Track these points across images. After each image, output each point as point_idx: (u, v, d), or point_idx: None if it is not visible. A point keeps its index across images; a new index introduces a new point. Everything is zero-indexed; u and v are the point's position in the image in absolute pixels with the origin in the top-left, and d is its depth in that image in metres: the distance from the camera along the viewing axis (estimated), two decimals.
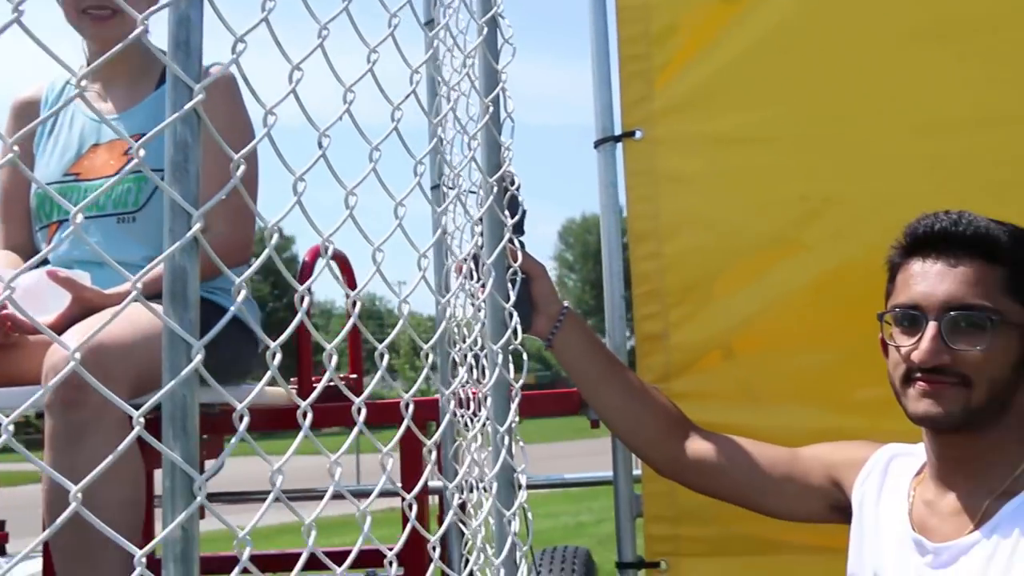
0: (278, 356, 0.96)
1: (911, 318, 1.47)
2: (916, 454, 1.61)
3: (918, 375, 1.45)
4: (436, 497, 3.25)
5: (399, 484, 2.43)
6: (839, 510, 1.71)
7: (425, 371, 1.22)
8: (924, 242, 1.49)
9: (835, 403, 2.04)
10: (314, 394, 1.04)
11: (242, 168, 0.90)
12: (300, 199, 0.99)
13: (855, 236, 2.00)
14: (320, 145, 1.03)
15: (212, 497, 3.10)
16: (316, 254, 2.76)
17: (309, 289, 1.01)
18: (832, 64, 2.14)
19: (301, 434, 1.01)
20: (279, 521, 11.14)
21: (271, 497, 0.95)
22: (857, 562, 1.63)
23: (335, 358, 1.05)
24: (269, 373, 0.96)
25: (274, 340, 0.97)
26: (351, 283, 3.13)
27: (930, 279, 1.46)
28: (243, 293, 0.90)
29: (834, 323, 2.01)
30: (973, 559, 1.42)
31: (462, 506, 1.85)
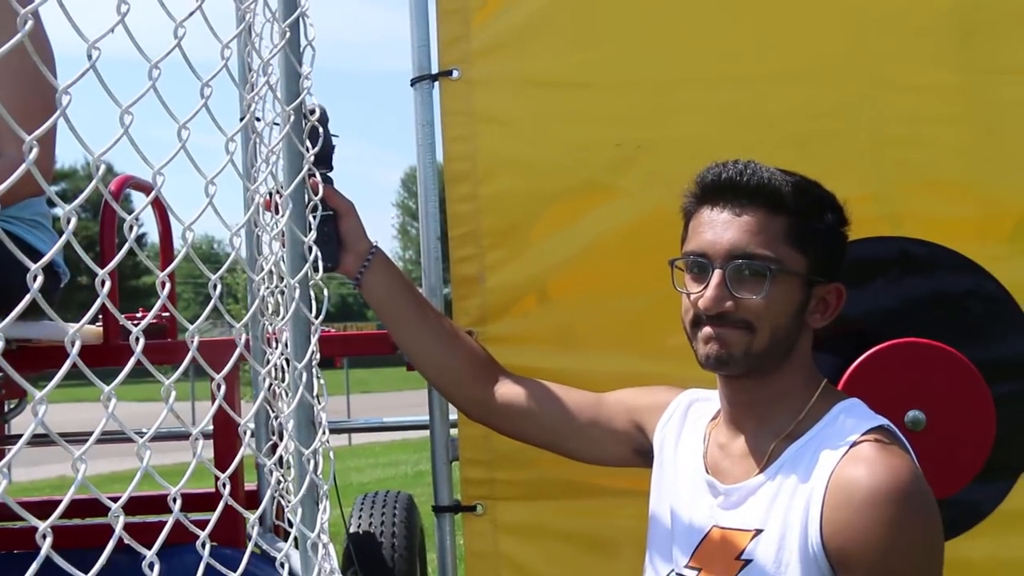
0: (39, 279, 0.90)
1: (699, 265, 1.50)
2: (714, 399, 1.65)
3: (705, 320, 1.48)
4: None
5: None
6: (642, 454, 1.75)
7: (212, 303, 1.17)
8: (712, 191, 1.51)
9: (648, 349, 2.08)
10: (84, 318, 0.98)
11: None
12: (64, 113, 0.93)
13: (667, 183, 2.00)
14: (89, 57, 0.96)
15: (16, 440, 2.96)
16: (122, 185, 2.64)
17: (76, 212, 0.95)
18: (649, 11, 2.16)
19: (68, 362, 0.95)
20: (110, 470, 10.89)
21: (31, 428, 0.90)
22: (657, 500, 1.67)
23: (108, 284, 1.00)
24: (29, 297, 0.90)
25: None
26: (163, 216, 3.02)
27: (716, 228, 1.49)
28: None
29: (647, 270, 2.03)
30: (759, 499, 1.47)
31: (274, 448, 1.81)
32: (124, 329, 2.30)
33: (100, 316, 2.49)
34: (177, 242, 3.19)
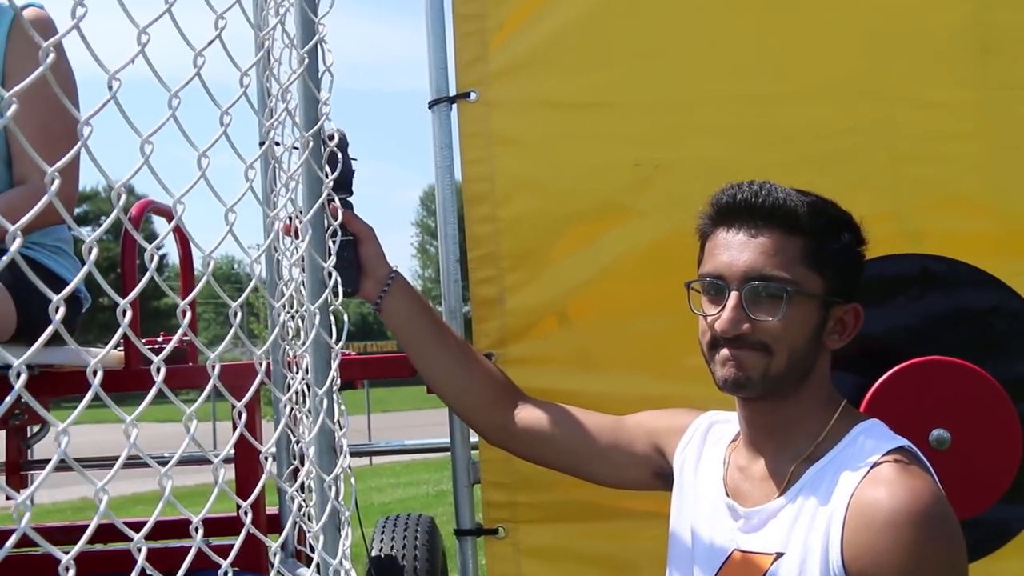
0: (61, 310, 0.90)
1: (716, 287, 1.49)
2: (733, 421, 1.64)
3: (722, 343, 1.47)
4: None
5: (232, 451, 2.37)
6: (662, 477, 1.74)
7: (234, 330, 1.17)
8: (727, 212, 1.51)
9: (667, 370, 2.07)
10: (106, 349, 0.98)
11: (13, 107, 0.84)
12: (85, 143, 0.94)
13: (686, 204, 1.98)
14: (110, 88, 0.97)
15: (40, 464, 2.97)
16: (143, 209, 2.65)
17: (96, 242, 0.95)
18: (665, 31, 2.16)
19: (90, 393, 0.96)
20: (132, 491, 10.90)
21: (54, 460, 0.90)
22: (677, 523, 1.66)
23: (128, 314, 1.00)
24: (51, 329, 0.90)
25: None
26: (183, 241, 3.03)
27: (732, 250, 1.48)
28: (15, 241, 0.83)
29: (666, 290, 2.00)
30: (780, 522, 1.46)
31: (295, 472, 1.81)
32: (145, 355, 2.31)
33: (122, 341, 2.49)
34: (197, 262, 3.20)
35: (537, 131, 2.15)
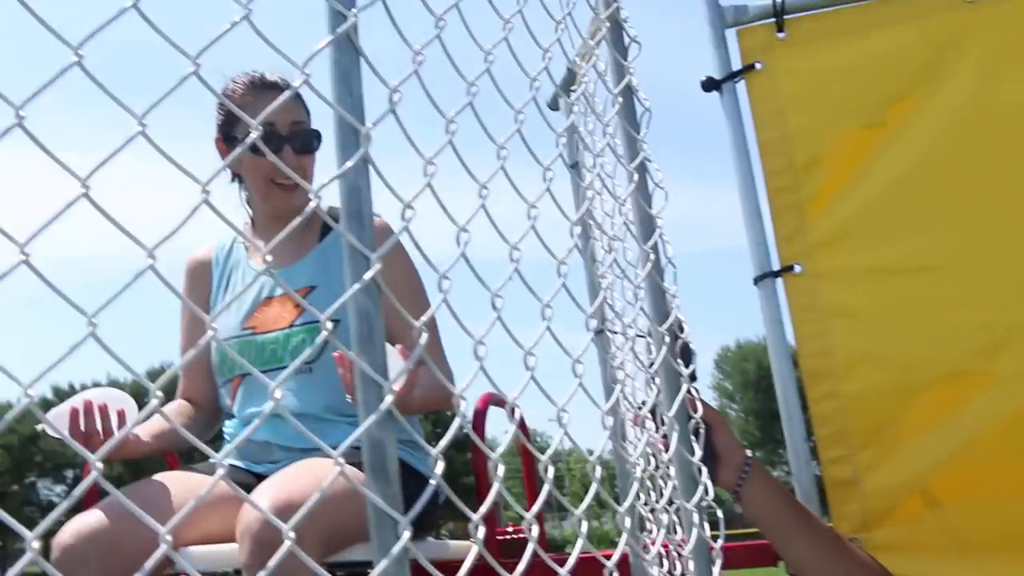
0: (482, 529, 0.89)
1: None
2: None
3: None
4: None
5: None
6: None
7: (624, 536, 1.13)
8: None
9: None
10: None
11: (425, 336, 0.87)
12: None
13: None
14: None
15: None
16: (487, 402, 2.69)
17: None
18: (988, 185, 2.03)
19: None
20: None
21: None
22: None
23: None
24: (475, 554, 0.89)
25: (456, 492, 0.92)
26: (523, 430, 3.04)
27: None
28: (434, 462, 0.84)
29: None
30: None
31: None
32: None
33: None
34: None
35: (869, 300, 2.05)
